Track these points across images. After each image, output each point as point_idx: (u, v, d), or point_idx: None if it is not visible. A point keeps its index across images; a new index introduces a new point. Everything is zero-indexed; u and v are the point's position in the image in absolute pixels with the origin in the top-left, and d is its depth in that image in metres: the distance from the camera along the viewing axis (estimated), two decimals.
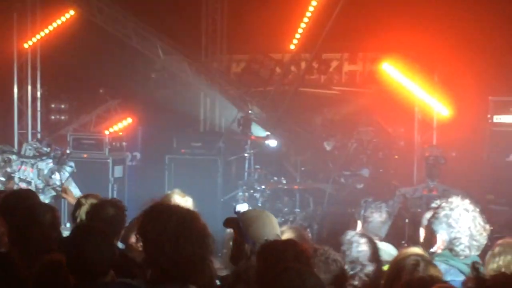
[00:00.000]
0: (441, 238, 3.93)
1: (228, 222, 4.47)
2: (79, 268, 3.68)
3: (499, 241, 4.43)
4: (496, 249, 4.34)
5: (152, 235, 3.32)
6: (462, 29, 9.88)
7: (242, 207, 4.57)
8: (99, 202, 5.20)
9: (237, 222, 4.39)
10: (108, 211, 4.97)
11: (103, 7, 12.75)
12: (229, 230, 5.17)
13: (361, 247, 4.54)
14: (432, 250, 3.90)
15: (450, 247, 3.90)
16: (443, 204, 3.98)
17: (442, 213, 3.95)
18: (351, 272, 4.38)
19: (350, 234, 4.70)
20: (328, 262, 4.01)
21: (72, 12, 13.03)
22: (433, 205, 4.11)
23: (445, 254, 3.92)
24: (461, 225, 3.90)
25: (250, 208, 4.64)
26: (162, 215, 3.37)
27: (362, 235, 4.78)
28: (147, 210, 3.47)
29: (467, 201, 4.01)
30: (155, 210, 3.45)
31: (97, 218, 4.88)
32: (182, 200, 5.91)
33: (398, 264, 3.68)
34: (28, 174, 10.22)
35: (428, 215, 4.21)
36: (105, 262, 3.74)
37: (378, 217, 5.63)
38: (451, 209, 3.94)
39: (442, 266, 3.82)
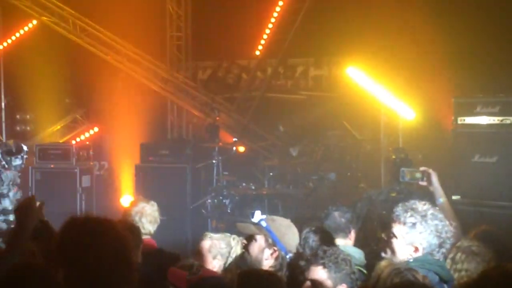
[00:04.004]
0: (422, 246, 4.00)
1: (256, 228, 4.44)
2: None
3: (458, 244, 4.45)
4: (458, 256, 4.37)
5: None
6: (425, 31, 9.99)
7: (259, 214, 4.54)
8: None
9: (265, 229, 4.40)
10: None
11: (67, 17, 12.67)
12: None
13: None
14: (408, 258, 3.97)
15: (430, 253, 3.97)
16: (413, 214, 4.04)
17: (418, 224, 4.00)
18: None
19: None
20: (338, 261, 4.00)
21: (34, 22, 12.92)
22: (402, 214, 4.12)
23: (420, 259, 3.98)
24: (441, 231, 4.00)
25: (264, 215, 4.61)
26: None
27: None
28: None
29: (432, 207, 4.10)
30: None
31: None
32: (148, 205, 5.90)
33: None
34: None
35: (399, 227, 4.18)
36: None
37: (333, 221, 5.72)
38: (425, 218, 4.01)
39: (420, 271, 3.86)
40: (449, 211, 4.90)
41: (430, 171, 5.09)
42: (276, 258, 4.36)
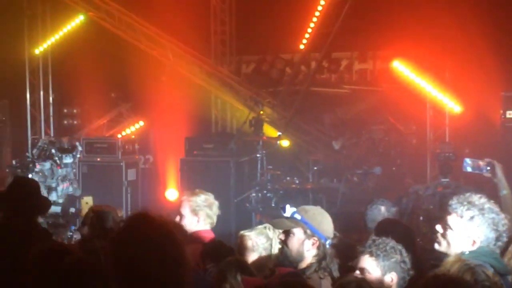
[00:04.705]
0: (480, 239, 3.96)
1: (291, 222, 4.42)
2: None
3: None
4: None
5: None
6: (471, 24, 9.83)
7: (289, 207, 4.52)
8: None
9: (301, 221, 4.39)
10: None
11: (113, 12, 12.81)
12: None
13: None
14: (464, 250, 3.94)
15: (487, 246, 3.94)
16: (470, 207, 4.00)
17: (476, 217, 3.96)
18: None
19: None
20: (387, 250, 4.03)
21: (81, 17, 13.10)
22: (459, 207, 4.06)
23: (475, 251, 3.95)
24: (498, 225, 3.96)
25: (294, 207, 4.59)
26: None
27: None
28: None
29: (488, 200, 4.05)
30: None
31: None
32: (210, 196, 5.90)
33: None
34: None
35: (456, 220, 4.12)
36: None
37: (377, 212, 5.68)
38: (483, 211, 3.96)
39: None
40: (511, 204, 4.86)
41: (495, 162, 5.01)
42: (318, 247, 4.35)
